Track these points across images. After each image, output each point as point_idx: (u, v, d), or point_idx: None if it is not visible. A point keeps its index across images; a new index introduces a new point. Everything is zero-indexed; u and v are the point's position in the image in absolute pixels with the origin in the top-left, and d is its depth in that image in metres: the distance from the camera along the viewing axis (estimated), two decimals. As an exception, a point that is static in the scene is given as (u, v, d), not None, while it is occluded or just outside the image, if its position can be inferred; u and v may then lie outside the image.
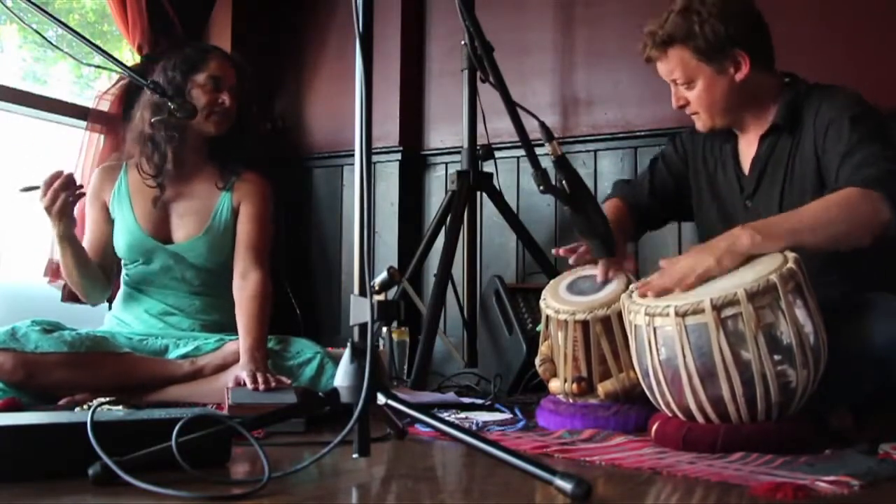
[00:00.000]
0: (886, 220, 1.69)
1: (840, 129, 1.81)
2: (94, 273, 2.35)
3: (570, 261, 2.00)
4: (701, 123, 1.98)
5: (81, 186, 2.20)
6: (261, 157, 2.57)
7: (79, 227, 2.38)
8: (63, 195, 2.13)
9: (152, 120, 2.30)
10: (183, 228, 2.38)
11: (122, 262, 2.43)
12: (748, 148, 2.00)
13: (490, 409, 2.12)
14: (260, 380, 1.99)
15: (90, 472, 1.26)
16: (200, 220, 2.38)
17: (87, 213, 2.46)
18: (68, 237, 2.23)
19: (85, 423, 1.29)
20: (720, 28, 1.86)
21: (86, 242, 2.39)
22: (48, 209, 2.15)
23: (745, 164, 2.01)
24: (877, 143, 1.77)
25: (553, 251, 2.01)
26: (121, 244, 2.38)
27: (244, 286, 2.29)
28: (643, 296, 1.67)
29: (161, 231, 2.38)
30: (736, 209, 2.00)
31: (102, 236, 2.41)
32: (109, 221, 2.42)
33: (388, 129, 3.43)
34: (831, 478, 1.31)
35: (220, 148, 2.41)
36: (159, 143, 2.33)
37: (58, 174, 2.14)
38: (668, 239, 2.82)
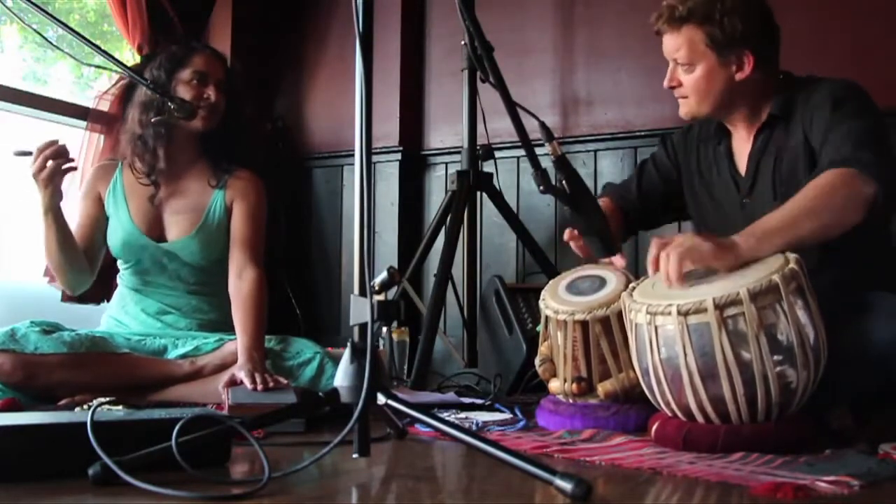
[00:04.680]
0: (870, 194, 1.68)
1: (823, 112, 1.82)
2: (76, 255, 2.30)
3: (573, 244, 1.96)
4: (686, 109, 1.97)
5: (73, 159, 2.16)
6: (254, 155, 2.56)
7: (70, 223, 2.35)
8: (52, 163, 2.11)
9: (153, 120, 2.30)
10: (176, 227, 2.38)
11: (118, 262, 2.43)
12: (742, 146, 2.00)
13: (490, 409, 2.12)
14: (258, 380, 1.99)
15: (90, 472, 1.25)
16: (193, 218, 2.37)
17: (79, 206, 2.43)
18: (53, 209, 2.19)
19: (85, 423, 1.29)
20: (738, 24, 1.86)
21: (74, 229, 2.35)
22: (36, 175, 2.12)
23: (741, 163, 2.00)
24: (855, 119, 1.78)
25: (566, 237, 1.97)
26: (116, 243, 2.38)
27: (240, 285, 2.29)
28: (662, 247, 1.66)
29: (155, 229, 2.38)
30: (734, 209, 2.00)
31: (92, 223, 2.39)
32: (103, 214, 2.41)
33: (388, 129, 3.43)
34: (831, 478, 1.31)
35: (212, 145, 2.41)
36: (148, 141, 2.33)
37: (52, 142, 2.12)
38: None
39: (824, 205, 1.68)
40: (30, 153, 2.12)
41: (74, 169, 2.20)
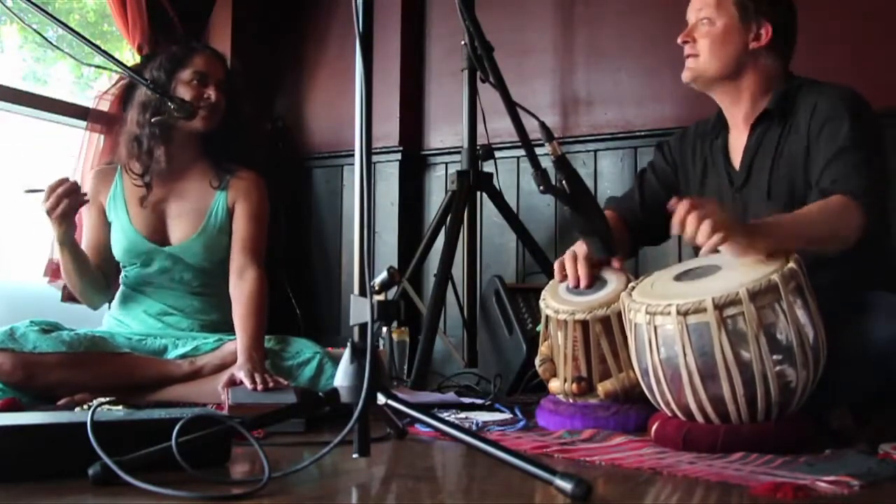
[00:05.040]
0: (860, 228, 1.73)
1: (838, 127, 1.82)
2: (94, 277, 2.35)
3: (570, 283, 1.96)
4: (692, 70, 1.97)
5: (85, 194, 2.20)
6: (256, 155, 2.56)
7: (77, 231, 2.37)
8: (66, 201, 2.13)
9: (152, 120, 2.30)
10: (178, 229, 2.38)
11: (120, 264, 2.43)
12: (738, 140, 2.01)
13: (490, 409, 2.12)
14: (258, 380, 1.99)
15: (90, 472, 1.25)
16: (195, 220, 2.37)
17: (84, 217, 2.45)
18: (69, 242, 2.23)
19: (85, 423, 1.29)
20: (766, 0, 1.92)
21: (85, 246, 2.39)
22: (49, 213, 2.15)
23: (735, 158, 2.01)
24: (868, 149, 1.80)
25: (557, 277, 1.97)
26: (118, 247, 2.38)
27: (241, 285, 2.29)
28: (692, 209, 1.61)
29: (157, 233, 2.38)
30: (726, 203, 2.00)
31: (101, 240, 2.41)
32: (107, 224, 2.41)
33: (388, 129, 3.43)
34: (831, 478, 1.31)
35: (213, 145, 2.41)
36: (144, 141, 2.33)
37: (63, 180, 2.14)
38: (668, 248, 2.77)
39: (834, 227, 1.72)
40: (41, 191, 2.14)
41: (86, 202, 2.23)
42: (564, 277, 1.93)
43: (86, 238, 2.43)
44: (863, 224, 1.73)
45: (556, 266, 1.96)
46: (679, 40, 1.98)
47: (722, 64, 1.94)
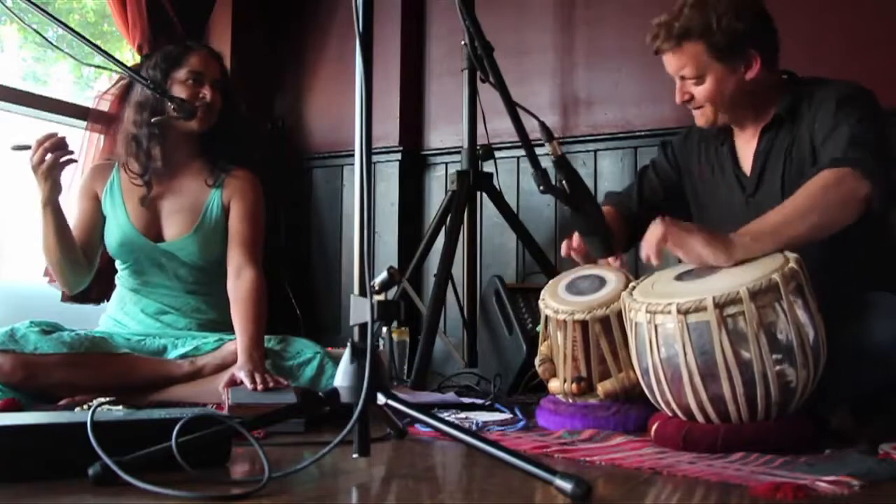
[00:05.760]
0: (865, 195, 1.69)
1: (828, 112, 1.82)
2: (74, 251, 2.31)
3: (573, 255, 1.99)
4: (704, 119, 1.97)
5: (72, 152, 2.17)
6: (251, 154, 2.56)
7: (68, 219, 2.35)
8: (52, 155, 2.11)
9: (152, 120, 2.30)
10: (173, 226, 2.38)
11: (116, 262, 2.43)
12: (747, 145, 2.00)
13: (490, 409, 2.12)
14: (258, 380, 1.99)
15: (90, 472, 1.25)
16: (190, 217, 2.37)
17: (76, 205, 2.43)
18: (52, 203, 2.20)
19: (85, 423, 1.29)
20: (737, 25, 1.85)
21: (72, 226, 2.36)
22: (35, 168, 2.13)
23: (745, 163, 2.00)
24: (857, 121, 1.78)
25: (563, 252, 2.00)
26: (113, 242, 2.38)
27: (238, 285, 2.29)
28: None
29: (152, 229, 2.37)
30: (737, 208, 2.00)
31: (89, 221, 2.39)
32: (99, 213, 2.40)
33: (388, 129, 3.43)
34: (831, 478, 1.31)
35: (209, 144, 2.41)
36: (143, 141, 2.33)
37: (50, 135, 2.12)
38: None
39: (817, 205, 1.69)
40: (28, 147, 2.12)
41: (74, 161, 2.20)
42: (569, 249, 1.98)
43: (74, 220, 2.39)
44: (863, 190, 1.68)
45: (563, 245, 2.00)
46: (678, 102, 1.96)
47: (728, 110, 1.93)
